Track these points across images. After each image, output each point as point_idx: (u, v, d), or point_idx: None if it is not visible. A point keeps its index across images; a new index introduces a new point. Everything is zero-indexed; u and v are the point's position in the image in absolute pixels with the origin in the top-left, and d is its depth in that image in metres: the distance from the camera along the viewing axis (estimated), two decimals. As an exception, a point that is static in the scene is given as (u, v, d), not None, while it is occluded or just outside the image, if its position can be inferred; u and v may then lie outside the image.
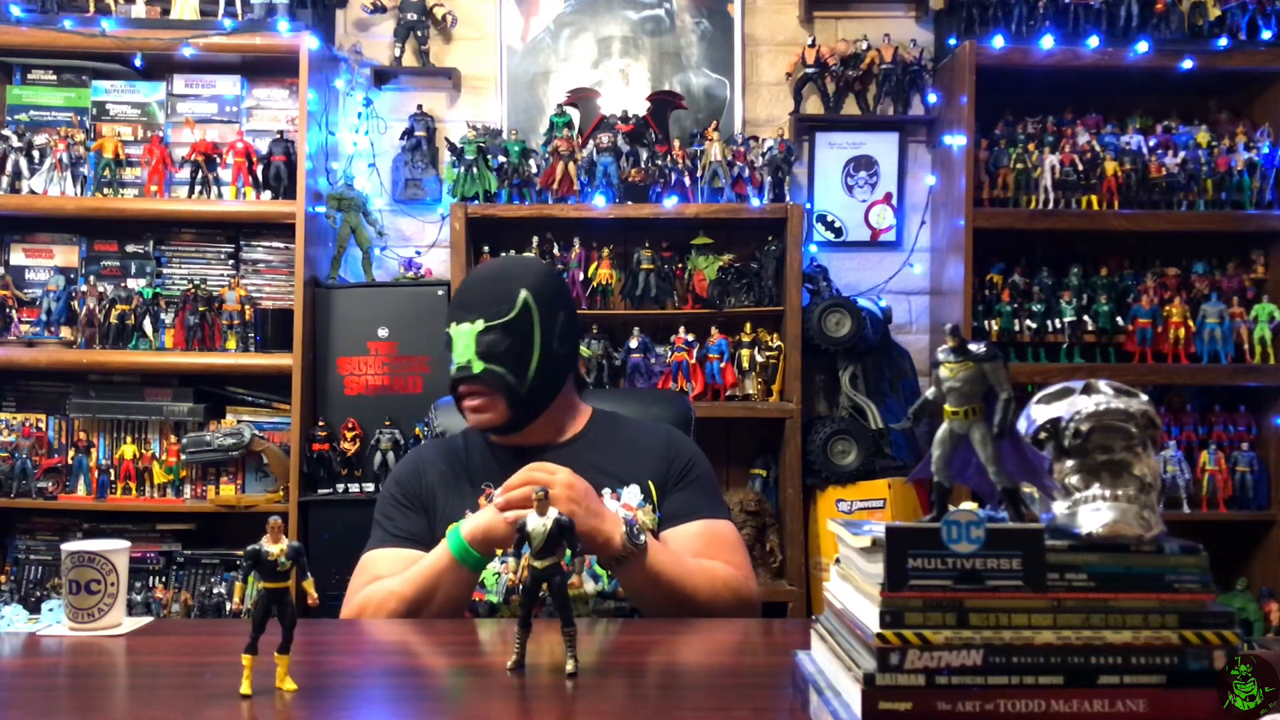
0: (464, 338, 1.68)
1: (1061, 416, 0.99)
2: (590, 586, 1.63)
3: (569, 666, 1.19)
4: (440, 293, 3.05)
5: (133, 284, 3.12)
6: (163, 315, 3.06)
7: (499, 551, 1.58)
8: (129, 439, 3.10)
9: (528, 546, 1.20)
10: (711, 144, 3.07)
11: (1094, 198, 3.05)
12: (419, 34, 3.24)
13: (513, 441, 1.75)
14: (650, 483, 1.74)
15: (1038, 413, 1.01)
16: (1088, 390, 1.00)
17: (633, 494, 1.72)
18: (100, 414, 3.11)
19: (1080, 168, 3.06)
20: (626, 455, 1.76)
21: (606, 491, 1.70)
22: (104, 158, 3.04)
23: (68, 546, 1.43)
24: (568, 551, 1.22)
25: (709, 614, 1.57)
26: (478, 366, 1.66)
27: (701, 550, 1.66)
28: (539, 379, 1.69)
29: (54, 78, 3.19)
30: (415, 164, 3.25)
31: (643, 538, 1.51)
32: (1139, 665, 0.92)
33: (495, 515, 1.50)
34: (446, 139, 3.18)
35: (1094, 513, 0.94)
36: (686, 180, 3.08)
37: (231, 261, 3.19)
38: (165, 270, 3.19)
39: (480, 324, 1.67)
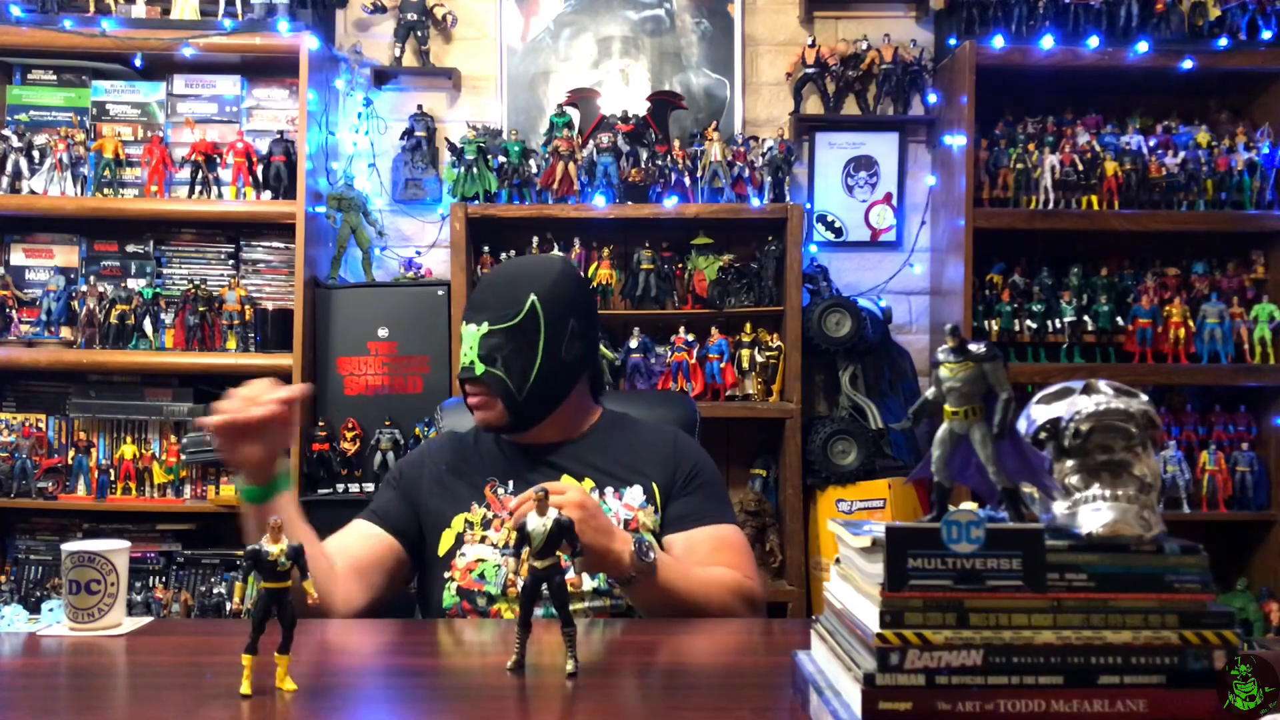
0: (469, 338, 1.70)
1: (1061, 416, 0.98)
2: (588, 584, 1.64)
3: (569, 666, 1.19)
4: (440, 293, 3.05)
5: (133, 284, 3.12)
6: (163, 315, 3.06)
7: (452, 537, 1.61)
8: (129, 439, 3.10)
9: (527, 546, 1.20)
10: (711, 144, 3.07)
11: (1094, 198, 3.05)
12: (419, 34, 3.24)
13: (519, 440, 1.77)
14: (654, 485, 1.74)
15: (1038, 413, 1.01)
16: (1088, 390, 1.00)
17: (635, 494, 1.72)
18: (100, 414, 3.11)
19: (1080, 168, 3.06)
20: (631, 456, 1.76)
21: (610, 490, 1.71)
22: (104, 158, 3.04)
23: (68, 546, 1.43)
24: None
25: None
26: (479, 369, 1.68)
27: (707, 556, 1.67)
28: (539, 385, 1.69)
29: (54, 78, 3.19)
30: (415, 164, 3.25)
31: (652, 555, 1.50)
32: (1139, 665, 0.92)
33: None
34: (446, 139, 3.18)
35: (1094, 513, 0.94)
36: (686, 180, 3.08)
37: (231, 261, 3.19)
38: (165, 270, 3.19)
39: (485, 326, 1.68)
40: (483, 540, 1.67)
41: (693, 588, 1.56)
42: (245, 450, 1.46)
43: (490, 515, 1.70)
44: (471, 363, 1.68)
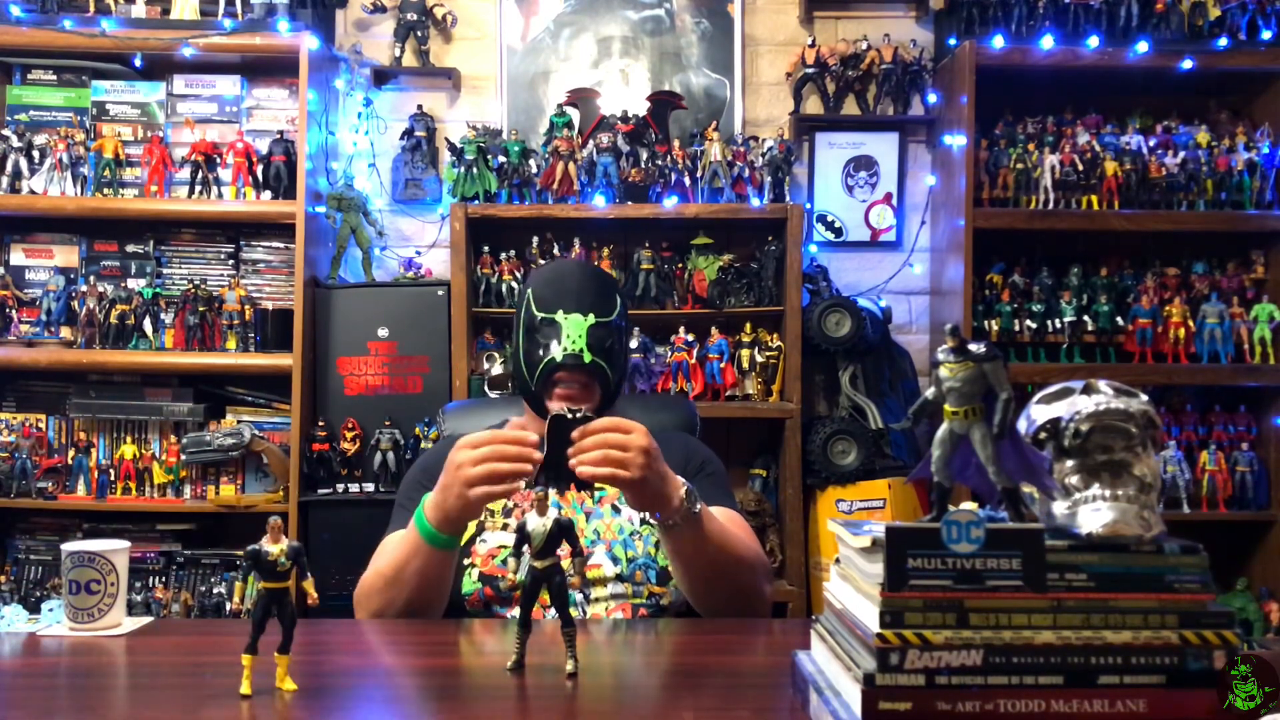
0: (576, 327, 1.74)
1: (1061, 416, 0.99)
2: (609, 569, 1.66)
3: (569, 666, 1.19)
4: (440, 293, 3.05)
5: (133, 284, 3.12)
6: (163, 315, 3.06)
7: (473, 524, 1.59)
8: (129, 439, 3.09)
9: (528, 546, 1.20)
10: (711, 144, 3.07)
11: (1094, 198, 3.05)
12: (419, 34, 3.24)
13: None
14: None
15: (1038, 413, 1.01)
16: (1088, 390, 1.00)
17: None
18: (100, 414, 3.11)
19: (1080, 168, 3.06)
20: None
21: None
22: (104, 158, 3.04)
23: (68, 546, 1.43)
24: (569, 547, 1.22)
25: (739, 585, 1.61)
26: (588, 357, 1.72)
27: None
28: (622, 378, 1.81)
29: (54, 78, 3.19)
30: (415, 164, 3.25)
31: (699, 506, 1.55)
32: (1139, 665, 0.92)
33: (448, 494, 1.49)
34: (446, 139, 3.18)
35: (1094, 513, 0.94)
36: (686, 180, 3.08)
37: (231, 261, 3.19)
38: (165, 270, 3.19)
39: (592, 318, 1.75)
40: (504, 527, 1.70)
41: (726, 546, 1.60)
42: (492, 499, 1.50)
43: (511, 505, 1.73)
44: (581, 350, 1.73)
